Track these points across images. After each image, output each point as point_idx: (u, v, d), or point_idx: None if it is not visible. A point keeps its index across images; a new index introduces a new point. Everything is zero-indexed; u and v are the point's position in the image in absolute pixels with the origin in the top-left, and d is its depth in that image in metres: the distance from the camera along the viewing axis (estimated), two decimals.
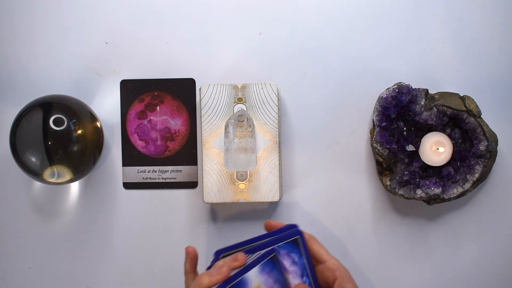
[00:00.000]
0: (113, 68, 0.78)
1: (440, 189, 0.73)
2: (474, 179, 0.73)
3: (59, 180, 0.72)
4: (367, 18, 0.77)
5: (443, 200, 0.73)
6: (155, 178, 0.78)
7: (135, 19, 0.78)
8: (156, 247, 0.79)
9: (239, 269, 0.59)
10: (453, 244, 0.78)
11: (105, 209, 0.79)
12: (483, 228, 0.78)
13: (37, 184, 0.79)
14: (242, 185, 0.72)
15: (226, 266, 0.59)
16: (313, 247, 0.65)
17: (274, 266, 0.61)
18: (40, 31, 0.78)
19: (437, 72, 0.77)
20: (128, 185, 0.79)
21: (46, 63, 0.78)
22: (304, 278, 0.64)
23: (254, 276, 0.59)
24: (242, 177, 0.72)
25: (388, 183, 0.74)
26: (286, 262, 0.63)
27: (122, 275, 0.79)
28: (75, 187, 0.79)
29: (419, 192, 0.73)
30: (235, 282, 0.57)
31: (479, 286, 0.78)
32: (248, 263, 0.60)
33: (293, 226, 0.64)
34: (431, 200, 0.74)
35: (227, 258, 0.60)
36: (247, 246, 0.63)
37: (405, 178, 0.74)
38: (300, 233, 0.64)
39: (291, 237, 0.63)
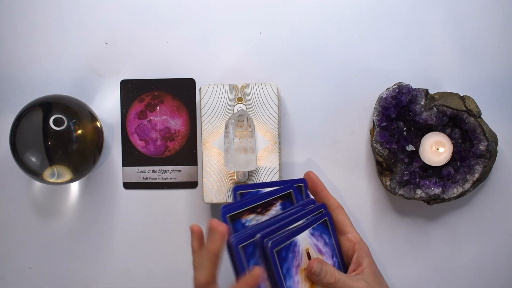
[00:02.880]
0: (113, 68, 0.78)
1: (440, 189, 0.73)
2: (474, 179, 0.73)
3: (59, 180, 0.72)
4: (367, 18, 0.77)
5: (443, 200, 0.73)
6: (155, 178, 0.78)
7: (135, 19, 0.78)
8: (156, 247, 0.79)
9: (290, 230, 0.62)
10: (453, 244, 0.78)
11: (105, 209, 0.79)
12: (483, 228, 0.78)
13: (37, 184, 0.79)
14: None
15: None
16: (339, 216, 0.67)
17: (324, 229, 0.64)
18: (40, 31, 0.78)
19: (437, 72, 0.77)
20: (128, 185, 0.79)
21: (46, 63, 0.78)
22: (334, 259, 0.66)
23: (303, 239, 0.62)
24: (242, 177, 0.72)
25: (388, 183, 0.74)
26: (320, 243, 0.64)
27: (122, 275, 0.79)
28: (75, 187, 0.79)
29: (419, 192, 0.73)
30: (284, 244, 0.59)
31: (479, 286, 0.78)
32: (299, 227, 0.62)
33: (322, 207, 0.66)
34: (431, 200, 0.74)
35: (246, 277, 0.58)
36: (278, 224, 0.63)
37: (405, 178, 0.73)
38: (329, 215, 0.66)
39: (321, 219, 0.65)
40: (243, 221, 0.61)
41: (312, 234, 0.63)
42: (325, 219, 0.65)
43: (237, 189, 0.63)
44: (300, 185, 0.67)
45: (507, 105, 0.77)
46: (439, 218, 0.78)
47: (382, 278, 0.66)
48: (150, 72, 0.78)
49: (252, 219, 0.62)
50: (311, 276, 0.61)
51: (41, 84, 0.78)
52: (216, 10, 0.78)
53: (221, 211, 0.60)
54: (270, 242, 0.58)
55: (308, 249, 0.62)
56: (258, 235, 0.59)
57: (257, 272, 0.58)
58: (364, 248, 0.66)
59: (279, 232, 0.60)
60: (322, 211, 0.66)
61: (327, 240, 0.65)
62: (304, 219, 0.63)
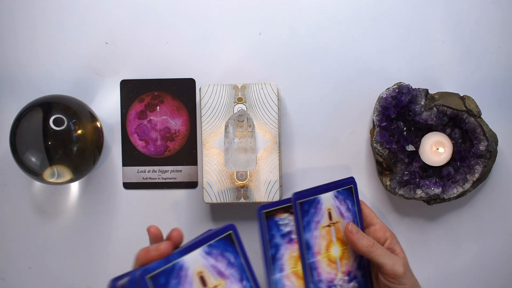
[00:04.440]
0: (113, 68, 0.78)
1: (440, 189, 0.73)
2: (474, 179, 0.73)
3: (59, 180, 0.72)
4: (367, 18, 0.77)
5: (443, 200, 0.73)
6: (155, 178, 0.78)
7: (135, 19, 0.78)
8: None
9: (316, 188, 0.64)
10: (453, 244, 0.78)
11: (105, 209, 0.79)
12: (483, 228, 0.78)
13: (37, 184, 0.79)
14: (242, 185, 0.72)
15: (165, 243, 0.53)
16: (365, 210, 0.69)
17: (349, 195, 0.66)
18: (40, 31, 0.78)
19: (437, 72, 0.77)
20: (128, 185, 0.79)
21: (46, 63, 0.78)
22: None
23: (327, 198, 0.64)
24: (242, 177, 0.72)
25: (388, 183, 0.74)
26: (343, 208, 0.67)
27: None
28: (75, 187, 0.79)
29: (419, 192, 0.73)
30: (308, 199, 0.62)
31: (479, 285, 0.78)
32: (324, 186, 0.65)
33: (350, 177, 0.69)
34: (431, 200, 0.74)
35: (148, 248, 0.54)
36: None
37: (405, 178, 0.73)
38: (354, 183, 0.68)
39: (347, 185, 0.67)
40: (277, 219, 0.63)
41: (336, 197, 0.66)
42: (351, 187, 0.68)
43: (297, 198, 0.64)
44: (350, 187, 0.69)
45: (507, 105, 0.77)
46: (439, 218, 0.78)
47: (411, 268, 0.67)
48: (150, 72, 0.78)
49: (285, 218, 0.64)
50: (349, 235, 0.64)
51: (41, 84, 0.78)
52: (216, 10, 0.78)
53: (293, 198, 0.63)
54: (294, 193, 0.62)
55: (330, 209, 0.65)
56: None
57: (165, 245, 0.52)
58: (394, 236, 0.67)
59: (306, 188, 0.64)
60: (347, 180, 0.68)
61: (349, 206, 0.67)
62: (331, 182, 0.67)
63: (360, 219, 0.68)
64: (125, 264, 0.79)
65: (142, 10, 0.78)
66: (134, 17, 0.78)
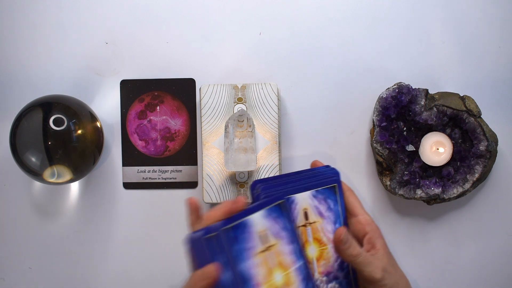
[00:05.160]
0: (113, 68, 0.78)
1: (440, 189, 0.73)
2: (474, 179, 0.73)
3: (59, 180, 0.72)
4: (367, 18, 0.77)
5: (443, 200, 0.73)
6: (155, 178, 0.78)
7: (135, 19, 0.78)
8: (156, 247, 0.79)
9: (288, 187, 0.63)
10: (453, 244, 0.78)
11: (105, 209, 0.79)
12: (483, 228, 0.78)
13: (37, 184, 0.79)
14: (242, 185, 0.72)
15: (224, 205, 0.59)
16: (349, 198, 0.67)
17: (281, 213, 0.62)
18: (40, 31, 0.78)
19: (437, 72, 0.77)
20: (128, 185, 0.79)
21: (46, 63, 0.78)
22: (337, 225, 0.66)
23: (259, 220, 0.60)
24: (242, 177, 0.72)
25: (388, 183, 0.74)
26: (322, 207, 0.65)
27: (122, 275, 0.79)
28: (75, 187, 0.79)
29: (419, 192, 0.73)
30: (237, 222, 0.58)
31: (478, 285, 0.78)
32: (253, 206, 0.60)
33: (335, 174, 0.67)
34: (431, 200, 0.74)
35: (227, 201, 0.60)
36: (285, 183, 0.65)
37: (405, 178, 0.74)
38: (338, 182, 0.67)
39: (330, 184, 0.66)
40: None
41: (315, 196, 0.65)
42: (334, 186, 0.66)
43: (255, 183, 0.63)
44: (334, 185, 0.67)
45: (507, 105, 0.77)
46: (439, 218, 0.78)
47: (395, 261, 0.66)
48: (150, 72, 0.78)
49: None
50: (338, 244, 0.62)
51: (41, 84, 0.78)
52: (216, 10, 0.78)
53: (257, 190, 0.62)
54: (263, 194, 0.60)
55: (306, 209, 0.64)
56: (259, 185, 0.62)
57: (241, 199, 0.59)
58: (376, 230, 0.66)
59: (279, 188, 0.63)
60: (332, 178, 0.67)
61: (331, 206, 0.66)
62: (309, 179, 0.65)
63: (344, 220, 0.67)
64: (125, 264, 0.79)
65: (142, 10, 0.78)
66: (134, 17, 0.78)
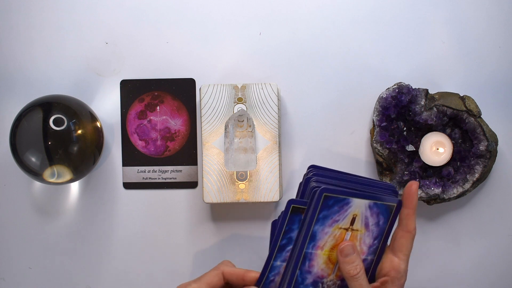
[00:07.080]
0: (113, 68, 0.78)
1: (440, 189, 0.73)
2: (474, 179, 0.73)
3: (59, 180, 0.72)
4: (367, 18, 0.77)
5: (443, 200, 0.73)
6: (155, 178, 0.78)
7: (135, 19, 0.78)
8: (156, 247, 0.79)
9: (353, 190, 0.62)
10: (453, 244, 0.78)
11: (105, 209, 0.79)
12: (483, 228, 0.78)
13: (37, 184, 0.79)
14: (242, 185, 0.72)
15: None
16: (402, 240, 0.63)
17: (386, 212, 0.63)
18: (40, 31, 0.78)
19: (437, 72, 0.77)
20: (128, 185, 0.79)
21: (46, 63, 0.78)
22: (375, 242, 0.64)
23: (360, 205, 0.62)
24: (242, 177, 0.72)
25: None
26: (371, 220, 0.63)
27: (122, 275, 0.79)
28: (75, 187, 0.79)
29: (419, 192, 0.73)
30: (337, 196, 0.60)
31: (479, 286, 0.78)
32: (362, 192, 0.62)
33: (395, 193, 0.65)
34: (431, 200, 0.74)
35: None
36: (340, 180, 0.64)
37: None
38: (399, 204, 0.64)
39: (391, 202, 0.63)
40: (301, 217, 0.61)
41: (371, 208, 0.62)
42: (393, 205, 0.63)
43: (325, 191, 0.61)
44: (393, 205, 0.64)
45: (507, 105, 0.77)
46: (439, 218, 0.78)
47: None
48: (150, 72, 0.78)
49: None
50: (338, 253, 0.61)
51: (41, 84, 0.78)
52: (216, 10, 0.78)
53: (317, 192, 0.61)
54: (324, 186, 0.60)
55: (356, 215, 0.62)
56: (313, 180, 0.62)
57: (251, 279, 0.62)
58: (400, 280, 0.61)
59: (333, 181, 0.63)
60: (395, 199, 0.64)
61: (380, 223, 0.63)
62: (370, 188, 0.64)
63: (385, 239, 0.64)
64: (125, 264, 0.79)
65: (142, 10, 0.78)
66: (134, 17, 0.78)
